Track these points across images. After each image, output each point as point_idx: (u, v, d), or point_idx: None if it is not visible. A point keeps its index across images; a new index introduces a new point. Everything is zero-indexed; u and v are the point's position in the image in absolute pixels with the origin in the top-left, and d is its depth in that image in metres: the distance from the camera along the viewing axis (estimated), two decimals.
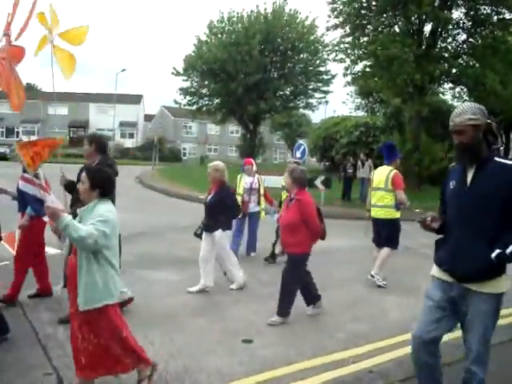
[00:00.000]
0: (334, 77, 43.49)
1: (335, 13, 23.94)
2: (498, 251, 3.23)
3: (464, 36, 23.99)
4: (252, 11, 42.67)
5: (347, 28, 24.26)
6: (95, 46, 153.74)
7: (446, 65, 23.04)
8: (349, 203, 19.11)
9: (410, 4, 21.22)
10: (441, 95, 29.08)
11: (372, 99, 38.73)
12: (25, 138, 58.77)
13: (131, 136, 67.32)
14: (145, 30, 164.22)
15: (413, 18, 22.89)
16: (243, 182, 9.79)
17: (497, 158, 3.37)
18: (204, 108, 45.39)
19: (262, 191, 9.90)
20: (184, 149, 68.57)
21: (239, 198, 9.55)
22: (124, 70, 66.30)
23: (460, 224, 3.41)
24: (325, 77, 44.29)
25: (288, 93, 45.96)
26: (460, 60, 23.84)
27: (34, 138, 61.55)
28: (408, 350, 5.16)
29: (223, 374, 4.52)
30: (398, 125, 26.84)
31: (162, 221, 12.61)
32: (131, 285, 7.24)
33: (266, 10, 42.34)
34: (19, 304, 6.19)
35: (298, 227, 5.87)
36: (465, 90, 26.88)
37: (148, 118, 76.38)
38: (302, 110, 52.40)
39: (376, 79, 24.83)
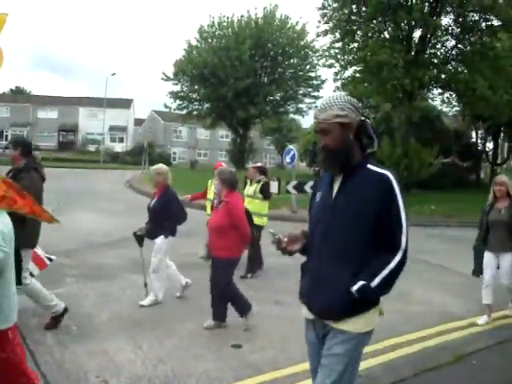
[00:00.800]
0: (323, 82, 43.79)
1: (325, 18, 24.11)
2: (361, 283, 2.56)
3: (453, 42, 24.26)
4: (242, 16, 42.86)
5: (337, 34, 24.42)
6: (85, 50, 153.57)
7: (435, 70, 23.23)
8: None
9: (400, 10, 21.43)
10: (430, 101, 29.30)
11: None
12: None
13: (121, 140, 67.07)
14: (135, 34, 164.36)
15: (402, 24, 23.10)
16: (213, 187, 9.48)
17: (370, 166, 2.69)
18: (194, 112, 45.43)
19: None
20: (174, 153, 68.42)
21: (209, 204, 9.08)
22: (114, 74, 66.48)
23: (321, 245, 2.73)
24: (315, 82, 44.59)
25: (278, 98, 46.17)
26: (449, 66, 24.06)
27: None
28: (397, 353, 5.23)
29: (212, 379, 4.52)
30: (388, 130, 26.97)
31: None
32: (123, 289, 7.25)
33: (256, 15, 42.56)
34: None
35: (227, 230, 5.60)
36: (454, 95, 27.11)
37: (138, 122, 76.15)
38: (292, 115, 52.61)
39: (366, 84, 24.97)
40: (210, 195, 9.17)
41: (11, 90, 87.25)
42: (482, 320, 6.34)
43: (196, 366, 4.78)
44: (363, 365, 4.88)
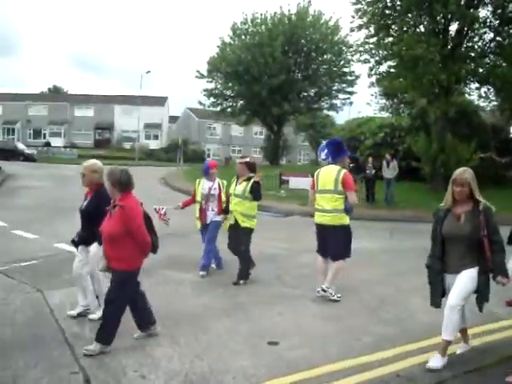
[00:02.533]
0: (358, 77, 43.31)
1: (359, 13, 23.79)
2: None
3: (491, 35, 23.61)
4: (275, 13, 42.74)
5: (371, 28, 24.08)
6: (121, 48, 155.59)
7: (472, 64, 22.72)
8: (373, 204, 18.92)
9: (436, 3, 20.96)
10: (467, 95, 28.70)
11: (397, 100, 38.40)
12: (52, 140, 59.87)
13: (156, 137, 67.94)
14: (170, 32, 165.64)
15: (438, 18, 22.63)
16: (201, 187, 8.45)
17: None
18: (228, 109, 45.59)
19: (223, 197, 8.34)
20: (208, 150, 68.84)
21: (197, 206, 8.43)
22: (149, 71, 66.83)
23: None
24: (349, 78, 44.13)
25: (312, 94, 45.91)
26: (487, 59, 23.49)
27: (60, 139, 62.63)
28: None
29: (249, 376, 4.51)
30: (424, 126, 26.54)
31: (186, 222, 12.65)
32: (158, 286, 7.30)
33: (289, 11, 42.38)
34: (47, 303, 6.31)
35: (122, 238, 4.90)
36: (491, 90, 26.46)
37: (172, 119, 76.90)
38: (326, 111, 52.26)
39: (401, 80, 24.60)
40: (198, 197, 8.47)
41: (49, 89, 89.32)
42: (461, 349, 5.14)
43: (232, 362, 4.78)
44: (402, 364, 4.83)
